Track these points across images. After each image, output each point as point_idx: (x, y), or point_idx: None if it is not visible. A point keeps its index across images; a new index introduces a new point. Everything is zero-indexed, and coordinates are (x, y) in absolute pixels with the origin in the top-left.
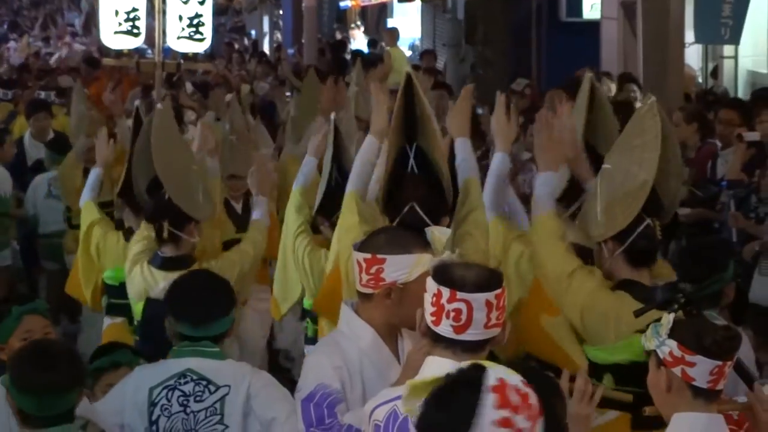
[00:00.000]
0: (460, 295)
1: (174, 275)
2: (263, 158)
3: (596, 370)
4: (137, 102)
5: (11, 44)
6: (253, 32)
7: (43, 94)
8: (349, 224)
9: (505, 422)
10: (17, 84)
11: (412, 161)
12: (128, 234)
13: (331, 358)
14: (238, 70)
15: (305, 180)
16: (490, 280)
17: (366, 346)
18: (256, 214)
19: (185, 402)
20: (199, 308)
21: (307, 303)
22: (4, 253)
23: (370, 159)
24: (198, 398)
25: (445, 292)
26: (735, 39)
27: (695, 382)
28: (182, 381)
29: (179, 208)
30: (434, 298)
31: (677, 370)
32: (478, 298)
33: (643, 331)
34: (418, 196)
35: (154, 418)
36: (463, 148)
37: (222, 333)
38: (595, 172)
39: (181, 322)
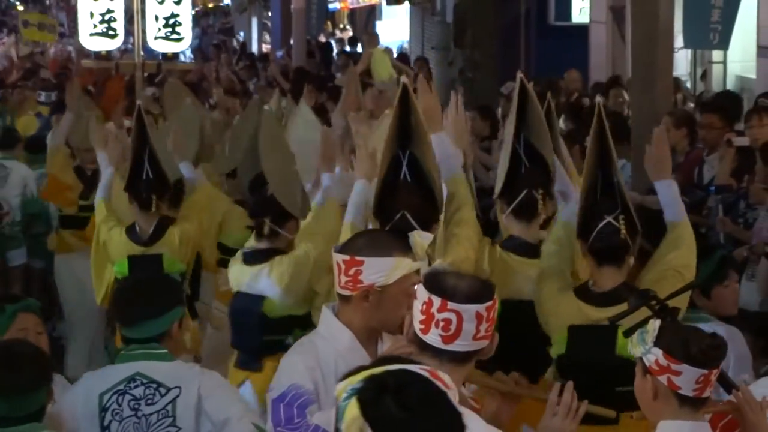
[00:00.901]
0: (450, 305)
1: (255, 269)
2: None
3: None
4: (139, 102)
5: None
6: (241, 33)
7: (43, 95)
8: None
9: None
10: (2, 84)
11: (405, 169)
12: (132, 228)
13: (306, 359)
14: (226, 72)
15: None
16: (481, 291)
17: (343, 348)
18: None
19: (136, 406)
20: (131, 309)
21: None
22: (21, 251)
23: (365, 201)
24: (149, 401)
25: (436, 301)
26: (724, 44)
27: (681, 390)
28: (132, 385)
29: (281, 205)
30: (424, 306)
31: (663, 379)
32: (469, 310)
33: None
34: (410, 205)
35: (105, 423)
36: (441, 144)
37: (161, 333)
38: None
39: (120, 324)
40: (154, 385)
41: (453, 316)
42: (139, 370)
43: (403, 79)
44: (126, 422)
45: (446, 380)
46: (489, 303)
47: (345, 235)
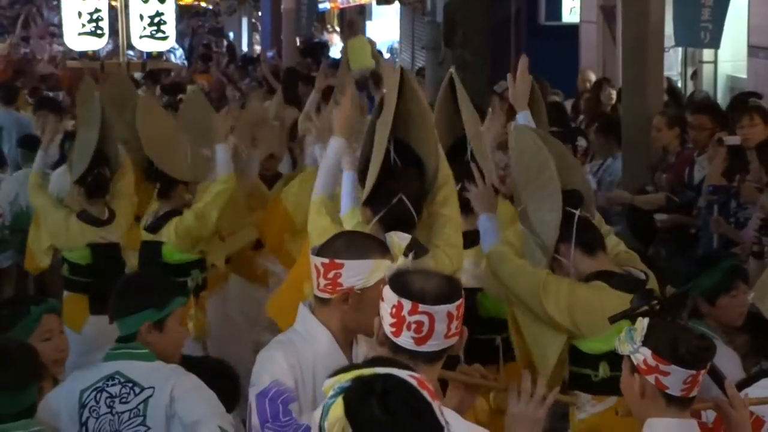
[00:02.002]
0: (422, 307)
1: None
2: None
3: (592, 361)
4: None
5: None
6: (231, 34)
7: (51, 94)
8: (323, 226)
9: None
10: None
11: (393, 155)
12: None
13: (287, 356)
14: (216, 73)
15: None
16: (450, 291)
17: (321, 348)
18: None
19: (111, 403)
20: (113, 307)
21: None
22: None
23: (336, 163)
24: (123, 400)
25: (407, 304)
26: (715, 43)
27: (669, 390)
28: (110, 383)
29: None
30: (394, 310)
31: (651, 378)
32: (440, 311)
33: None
34: (405, 188)
35: (83, 419)
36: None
37: (131, 334)
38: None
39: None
40: (130, 384)
41: (425, 318)
42: (119, 369)
43: (396, 66)
44: (102, 419)
45: (432, 390)
46: (458, 301)
47: (317, 210)
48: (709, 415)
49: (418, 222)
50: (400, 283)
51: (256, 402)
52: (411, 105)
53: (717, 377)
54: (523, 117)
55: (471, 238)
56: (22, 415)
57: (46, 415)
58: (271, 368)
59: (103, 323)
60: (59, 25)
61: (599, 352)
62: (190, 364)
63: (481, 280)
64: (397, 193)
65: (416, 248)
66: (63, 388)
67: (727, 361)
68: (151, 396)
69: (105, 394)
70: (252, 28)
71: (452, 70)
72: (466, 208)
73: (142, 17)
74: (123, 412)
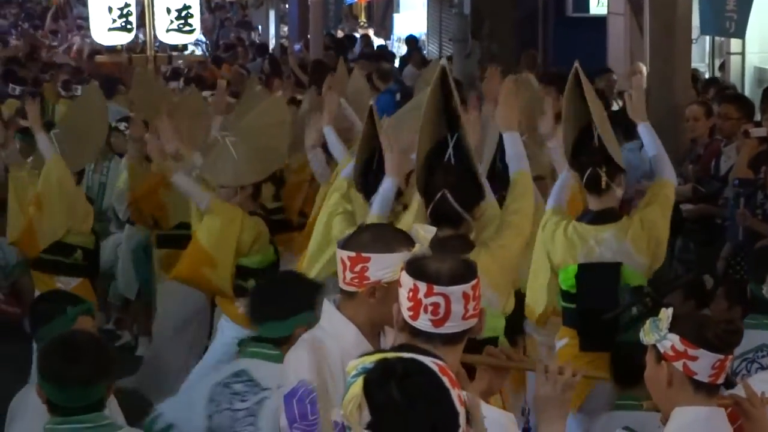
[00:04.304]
0: (437, 288)
1: None
2: None
3: None
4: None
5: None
6: (259, 27)
7: (80, 89)
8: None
9: None
10: (25, 80)
11: (450, 151)
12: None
13: (313, 355)
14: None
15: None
16: (465, 272)
17: (348, 344)
18: None
19: (232, 400)
20: (256, 308)
21: None
22: None
23: (392, 197)
24: (243, 398)
25: (422, 286)
26: (740, 33)
27: (697, 376)
28: (235, 380)
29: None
30: (410, 293)
31: (679, 365)
32: (455, 291)
33: None
34: (449, 184)
35: (209, 413)
36: (512, 143)
37: (282, 337)
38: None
39: (251, 320)
40: (251, 383)
41: (441, 300)
42: (246, 368)
43: (443, 62)
44: (223, 415)
45: (453, 377)
46: (474, 282)
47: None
48: None
49: (470, 221)
50: (415, 266)
51: (284, 402)
52: (455, 103)
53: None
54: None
55: (609, 215)
56: (91, 408)
57: (183, 407)
58: (297, 368)
59: None
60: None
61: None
62: None
63: (623, 255)
64: (440, 189)
65: (460, 243)
66: (202, 381)
67: None
68: (267, 398)
69: (229, 390)
70: (280, 21)
71: (443, 61)
72: (597, 187)
73: (169, 10)
74: (240, 410)
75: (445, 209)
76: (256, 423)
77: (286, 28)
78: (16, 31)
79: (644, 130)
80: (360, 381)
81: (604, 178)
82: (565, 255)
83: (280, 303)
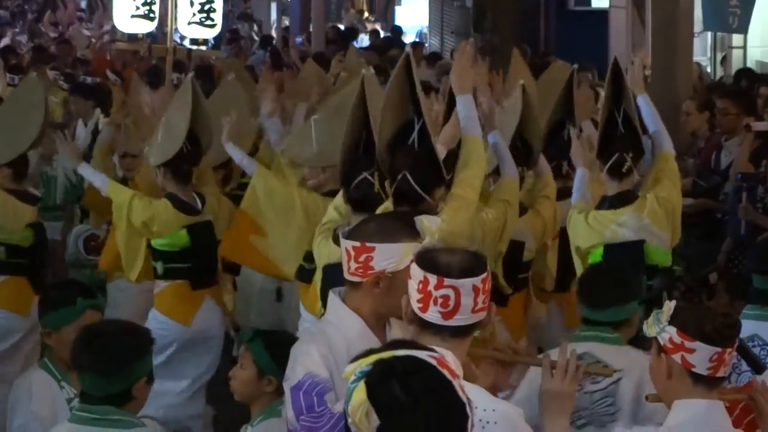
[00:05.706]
0: (447, 281)
1: None
2: None
3: None
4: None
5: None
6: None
7: (89, 80)
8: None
9: None
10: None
11: (415, 135)
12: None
13: (319, 347)
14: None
15: None
16: (475, 265)
17: (354, 335)
18: None
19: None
20: (601, 294)
21: None
22: None
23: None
24: (593, 380)
25: (432, 279)
26: (743, 28)
27: (695, 368)
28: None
29: None
30: (420, 285)
31: (677, 357)
32: (466, 284)
33: None
34: (409, 166)
35: None
36: (465, 105)
37: (621, 320)
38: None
39: (585, 305)
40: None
41: (451, 292)
42: (589, 350)
43: (407, 49)
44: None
45: (453, 368)
46: (484, 275)
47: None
48: None
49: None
50: (426, 258)
51: (291, 395)
52: (418, 89)
53: (755, 364)
54: (492, 137)
55: (626, 197)
56: (108, 400)
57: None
58: (304, 361)
59: None
60: (94, 8)
61: None
62: None
63: (645, 232)
64: (401, 170)
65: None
66: None
67: None
68: (620, 379)
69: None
70: (282, 13)
71: (408, 49)
72: (619, 172)
73: (192, 3)
74: (594, 392)
75: (406, 191)
76: (614, 403)
77: (287, 21)
78: (19, 23)
79: (643, 101)
80: (362, 386)
81: (628, 163)
82: (592, 241)
83: (623, 288)
